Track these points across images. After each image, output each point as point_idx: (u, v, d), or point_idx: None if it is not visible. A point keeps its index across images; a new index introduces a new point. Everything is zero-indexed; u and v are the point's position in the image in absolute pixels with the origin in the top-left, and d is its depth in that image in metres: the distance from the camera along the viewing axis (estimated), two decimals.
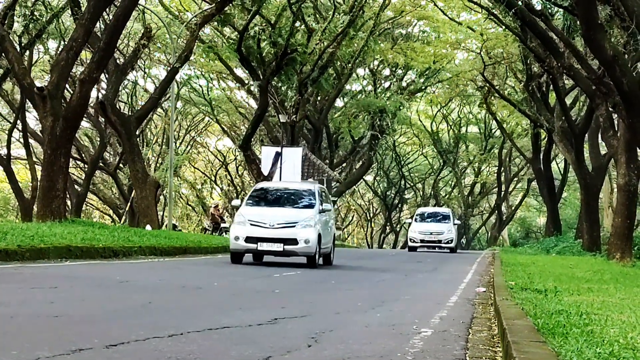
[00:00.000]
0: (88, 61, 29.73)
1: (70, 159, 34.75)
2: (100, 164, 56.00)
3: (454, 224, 40.76)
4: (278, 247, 20.70)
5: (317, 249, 21.11)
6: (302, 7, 43.48)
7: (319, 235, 21.19)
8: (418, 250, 39.92)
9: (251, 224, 20.85)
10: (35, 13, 35.52)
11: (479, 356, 7.63)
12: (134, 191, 42.38)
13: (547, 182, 50.65)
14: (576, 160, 39.99)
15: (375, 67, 64.24)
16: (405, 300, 13.13)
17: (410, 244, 40.48)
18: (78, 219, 34.45)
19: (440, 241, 39.47)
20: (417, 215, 42.71)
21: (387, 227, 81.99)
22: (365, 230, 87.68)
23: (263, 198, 22.48)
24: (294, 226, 20.86)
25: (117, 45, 34.18)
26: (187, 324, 8.42)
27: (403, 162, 79.88)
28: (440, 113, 73.27)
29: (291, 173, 48.13)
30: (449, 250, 39.42)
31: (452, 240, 39.61)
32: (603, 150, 42.44)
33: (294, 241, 20.68)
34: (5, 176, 51.12)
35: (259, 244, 20.69)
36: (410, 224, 42.54)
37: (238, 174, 78.00)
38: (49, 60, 47.05)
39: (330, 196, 24.33)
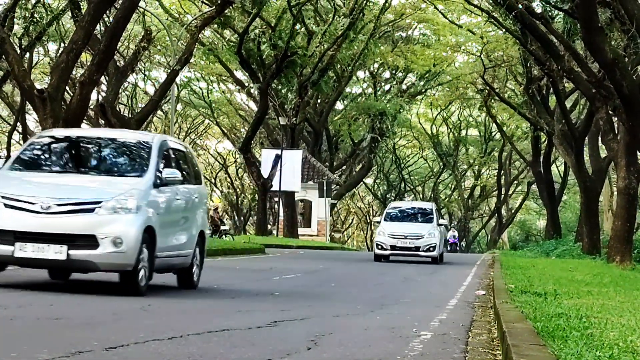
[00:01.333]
0: (88, 63, 29.70)
1: None
2: None
3: (439, 225, 30.29)
4: (56, 252, 10.86)
5: (142, 259, 11.25)
6: (302, 10, 43.51)
7: (150, 230, 11.39)
8: (390, 259, 29.67)
9: (5, 205, 11.07)
10: (36, 15, 35.52)
11: (478, 359, 7.62)
12: None
13: (547, 185, 50.64)
14: (576, 163, 39.98)
15: (376, 70, 64.28)
16: (405, 303, 13.13)
17: (376, 251, 29.45)
18: None
19: (418, 248, 28.89)
20: (387, 212, 31.89)
21: None
22: (365, 233, 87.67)
23: (40, 158, 12.73)
24: (92, 210, 11.04)
25: (117, 47, 34.18)
26: (187, 327, 8.41)
27: (403, 164, 79.88)
28: (440, 116, 73.30)
29: (291, 176, 48.19)
30: (430, 260, 29.27)
31: (434, 247, 28.95)
32: (603, 153, 42.43)
33: (89, 241, 10.91)
34: None
35: (18, 244, 10.89)
36: (378, 223, 31.39)
37: (238, 176, 78.03)
38: (49, 63, 47.07)
39: (197, 164, 14.48)
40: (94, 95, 40.55)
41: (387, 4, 50.28)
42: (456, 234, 68.40)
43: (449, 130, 75.55)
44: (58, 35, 42.55)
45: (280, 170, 46.63)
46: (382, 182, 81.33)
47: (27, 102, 37.23)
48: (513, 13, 28.51)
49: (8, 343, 6.86)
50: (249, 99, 61.90)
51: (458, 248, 64.88)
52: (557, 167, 67.16)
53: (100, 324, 8.47)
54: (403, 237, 29.01)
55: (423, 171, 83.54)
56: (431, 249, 28.90)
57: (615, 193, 33.01)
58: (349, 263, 27.53)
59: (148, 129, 62.45)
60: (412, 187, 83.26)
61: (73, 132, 13.79)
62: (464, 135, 75.99)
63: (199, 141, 76.18)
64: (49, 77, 32.15)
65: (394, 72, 64.24)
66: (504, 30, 39.18)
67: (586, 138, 41.84)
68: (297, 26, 44.34)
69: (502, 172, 73.08)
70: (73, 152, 12.98)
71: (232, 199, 77.37)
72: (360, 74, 64.18)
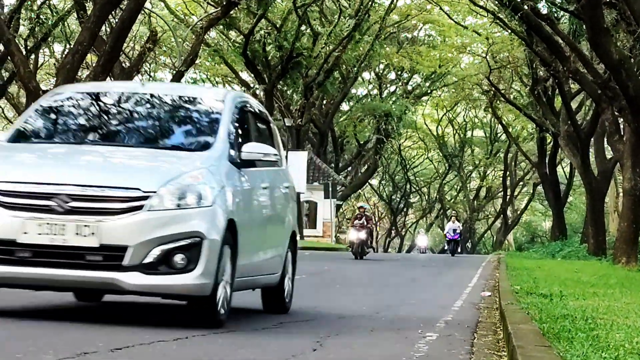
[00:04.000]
0: (94, 64, 29.72)
1: None
2: None
3: (242, 163, 8.72)
4: None
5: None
6: (307, 11, 43.52)
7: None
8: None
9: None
10: (41, 16, 35.57)
11: None
12: None
13: (553, 187, 50.57)
14: (582, 164, 39.94)
15: (381, 71, 64.30)
16: (411, 304, 13.11)
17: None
18: None
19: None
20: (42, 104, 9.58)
21: (393, 231, 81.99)
22: None
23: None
24: None
25: (123, 48, 34.22)
26: (192, 328, 8.40)
27: (408, 166, 79.82)
28: (446, 117, 73.29)
29: (296, 177, 48.14)
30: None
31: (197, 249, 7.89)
32: (609, 154, 42.40)
33: None
34: None
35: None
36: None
37: None
38: (54, 64, 47.10)
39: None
40: None
41: (392, 5, 50.29)
42: (458, 226, 46.59)
43: (455, 131, 75.53)
44: (63, 37, 42.58)
45: None
46: (388, 183, 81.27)
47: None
48: (519, 14, 28.49)
49: (13, 344, 6.86)
50: None
51: (460, 249, 53.07)
52: (562, 168, 67.08)
53: (105, 324, 8.47)
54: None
55: (428, 172, 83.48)
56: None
57: (621, 194, 32.96)
58: (354, 264, 27.50)
59: None
60: (417, 188, 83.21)
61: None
62: (469, 136, 75.98)
63: None
64: (55, 78, 32.18)
65: (399, 73, 64.24)
66: (509, 31, 39.15)
67: (592, 139, 41.81)
68: (303, 27, 44.38)
69: (508, 173, 73.04)
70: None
71: None
72: (366, 75, 64.20)
